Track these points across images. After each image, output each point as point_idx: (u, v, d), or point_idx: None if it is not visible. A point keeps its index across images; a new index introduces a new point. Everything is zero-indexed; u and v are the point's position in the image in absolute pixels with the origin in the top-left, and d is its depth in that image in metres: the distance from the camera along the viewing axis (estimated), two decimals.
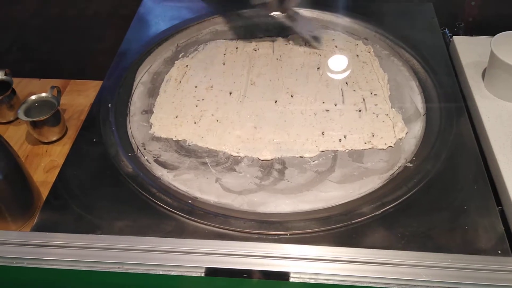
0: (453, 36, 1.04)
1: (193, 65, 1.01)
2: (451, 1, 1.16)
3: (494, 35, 0.89)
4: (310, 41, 1.04)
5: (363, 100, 0.91)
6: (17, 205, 0.80)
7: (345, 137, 0.84)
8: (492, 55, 0.87)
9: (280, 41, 1.07)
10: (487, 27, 1.02)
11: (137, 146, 0.85)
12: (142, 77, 0.99)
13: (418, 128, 0.86)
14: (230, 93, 0.94)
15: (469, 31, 1.10)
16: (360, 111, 0.89)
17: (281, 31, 1.09)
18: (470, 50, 1.00)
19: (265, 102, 0.92)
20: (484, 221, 0.69)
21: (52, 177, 0.81)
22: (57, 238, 0.66)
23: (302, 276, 0.60)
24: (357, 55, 1.02)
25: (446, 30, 1.07)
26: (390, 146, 0.82)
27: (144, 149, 0.84)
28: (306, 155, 0.82)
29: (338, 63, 1.01)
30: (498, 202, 0.74)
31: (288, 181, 0.78)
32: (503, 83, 0.88)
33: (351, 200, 0.75)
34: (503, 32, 0.90)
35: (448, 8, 1.14)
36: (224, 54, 1.04)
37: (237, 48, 1.05)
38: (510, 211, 0.71)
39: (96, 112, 0.90)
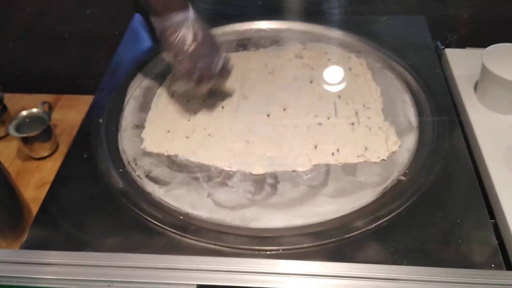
0: (445, 49, 1.04)
1: None
2: (443, 14, 1.17)
3: (486, 47, 0.90)
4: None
5: (356, 113, 0.91)
6: (6, 223, 0.80)
7: (338, 151, 0.84)
8: (484, 67, 0.88)
9: (272, 54, 1.07)
10: (480, 39, 1.03)
11: (128, 161, 0.84)
12: (134, 92, 0.98)
13: (411, 141, 0.85)
14: (223, 107, 0.94)
15: (462, 44, 1.11)
16: (353, 124, 0.89)
17: (274, 45, 1.09)
18: (462, 62, 1.00)
19: (258, 116, 0.92)
20: (477, 234, 0.69)
21: (43, 193, 0.80)
22: (47, 256, 0.65)
23: None
24: (350, 68, 1.02)
25: (439, 42, 1.08)
26: (383, 160, 0.82)
27: (135, 164, 0.84)
28: (299, 169, 0.81)
29: (331, 76, 1.01)
30: (491, 215, 0.73)
31: (280, 195, 0.77)
32: (494, 95, 0.88)
33: (344, 214, 0.74)
34: (494, 45, 0.90)
35: (440, 20, 1.15)
36: None
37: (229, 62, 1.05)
38: (503, 224, 0.71)
39: (87, 127, 0.89)
